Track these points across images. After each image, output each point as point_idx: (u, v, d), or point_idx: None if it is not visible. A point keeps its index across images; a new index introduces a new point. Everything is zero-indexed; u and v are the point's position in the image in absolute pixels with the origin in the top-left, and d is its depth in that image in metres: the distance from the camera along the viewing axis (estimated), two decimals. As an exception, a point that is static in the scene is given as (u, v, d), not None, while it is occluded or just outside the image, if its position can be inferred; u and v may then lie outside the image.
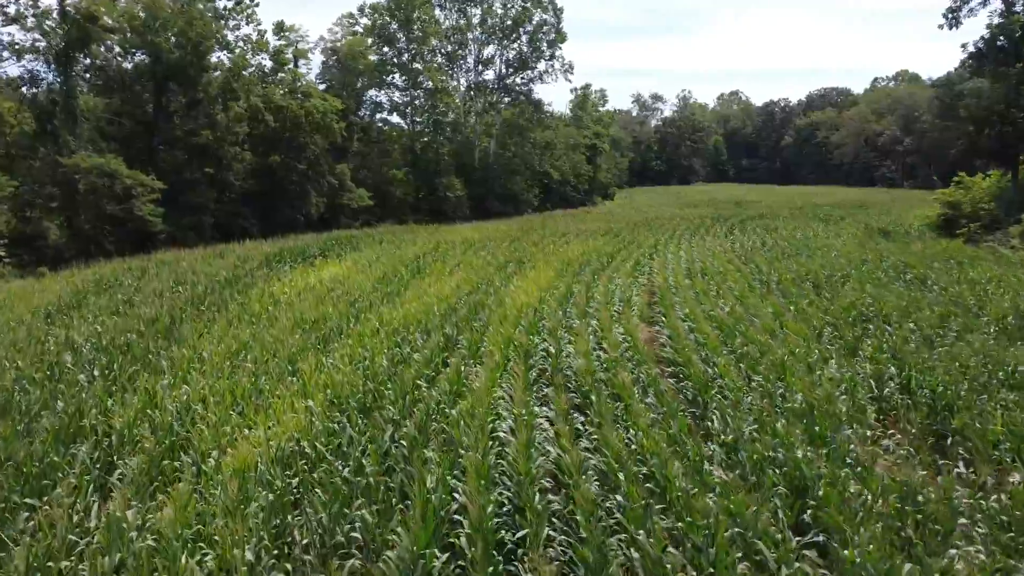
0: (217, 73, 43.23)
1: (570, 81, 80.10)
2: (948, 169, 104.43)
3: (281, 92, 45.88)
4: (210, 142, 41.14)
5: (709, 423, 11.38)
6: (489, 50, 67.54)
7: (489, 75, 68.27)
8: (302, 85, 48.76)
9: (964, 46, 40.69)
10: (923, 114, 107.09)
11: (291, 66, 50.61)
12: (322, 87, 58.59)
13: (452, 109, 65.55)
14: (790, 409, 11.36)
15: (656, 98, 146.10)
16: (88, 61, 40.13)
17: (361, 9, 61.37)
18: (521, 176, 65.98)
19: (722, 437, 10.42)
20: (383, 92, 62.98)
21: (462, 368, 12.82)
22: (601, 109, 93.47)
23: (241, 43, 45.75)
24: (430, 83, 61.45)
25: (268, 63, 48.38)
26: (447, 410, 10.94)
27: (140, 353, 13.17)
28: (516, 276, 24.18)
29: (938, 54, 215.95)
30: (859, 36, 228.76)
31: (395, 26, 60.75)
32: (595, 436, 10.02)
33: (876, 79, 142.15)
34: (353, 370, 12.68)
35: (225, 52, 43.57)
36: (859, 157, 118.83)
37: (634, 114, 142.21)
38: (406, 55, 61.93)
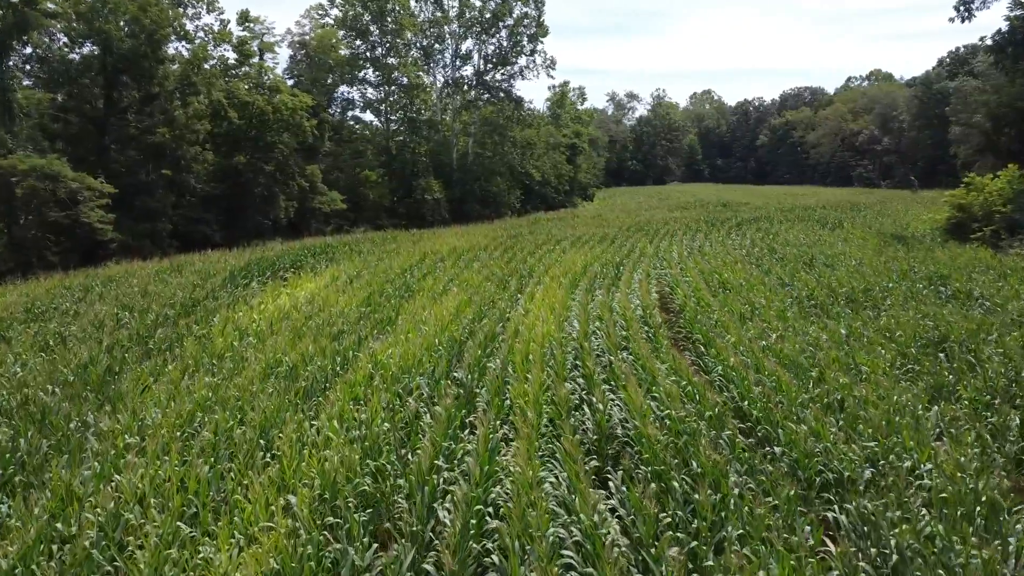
0: (175, 66, 39.45)
1: (552, 77, 77.40)
2: (926, 168, 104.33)
3: (246, 87, 42.19)
4: (167, 141, 37.36)
5: (829, 513, 8.58)
6: (467, 44, 64.46)
7: (467, 71, 65.23)
8: (269, 80, 45.12)
9: (983, 39, 38.63)
10: (901, 113, 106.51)
11: (257, 59, 46.99)
12: (290, 83, 54.98)
13: (429, 106, 62.30)
14: (938, 498, 8.55)
15: (631, 97, 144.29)
16: (29, 51, 36.17)
17: (331, 0, 57.83)
18: (502, 177, 62.94)
19: (869, 547, 7.60)
20: (355, 88, 59.54)
21: (490, 435, 9.80)
22: (580, 107, 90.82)
23: (201, 33, 42.04)
24: (405, 79, 58.11)
25: (231, 55, 44.67)
26: (486, 515, 7.93)
27: (59, 423, 9.90)
28: (522, 294, 21.21)
29: (908, 54, 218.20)
30: (827, 37, 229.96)
31: (368, 18, 57.25)
32: (706, 562, 7.08)
33: (850, 78, 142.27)
34: (347, 442, 9.59)
35: (183, 42, 39.82)
36: (835, 157, 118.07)
37: (609, 113, 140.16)
38: (379, 49, 58.51)
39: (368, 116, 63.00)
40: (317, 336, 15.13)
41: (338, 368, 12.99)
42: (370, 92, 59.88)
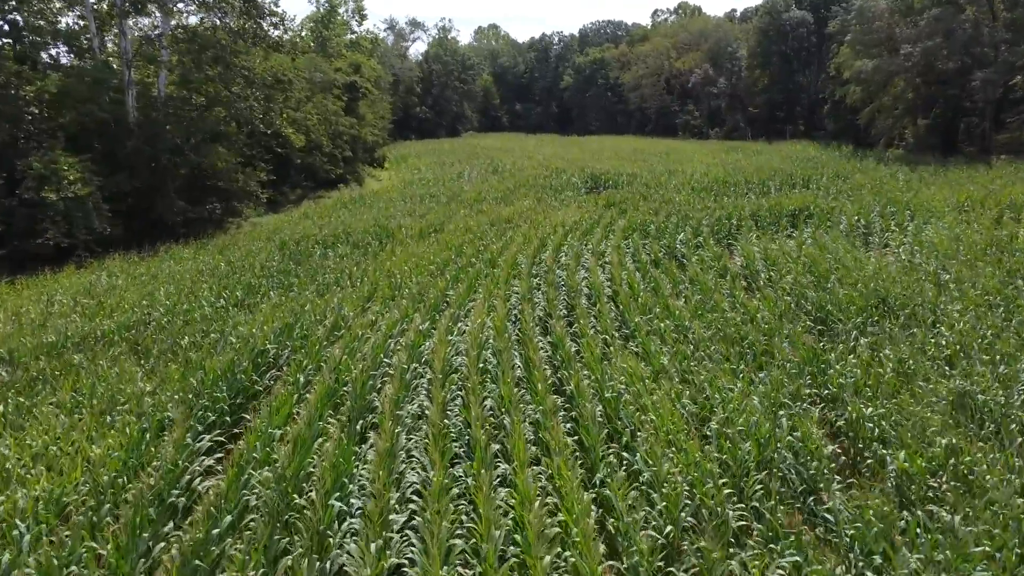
0: None
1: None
2: (763, 114, 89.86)
3: None
4: None
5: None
6: None
7: (146, -58, 34.18)
8: None
9: None
10: (737, 49, 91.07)
11: None
12: None
13: (64, 6, 30.98)
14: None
15: (414, 25, 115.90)
16: None
17: None
18: (229, 144, 33.79)
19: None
20: None
21: None
22: (358, 29, 62.00)
23: None
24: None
25: None
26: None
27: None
28: None
29: None
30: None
31: None
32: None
33: (656, 11, 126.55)
34: None
35: None
36: (657, 101, 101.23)
37: (389, 43, 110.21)
38: None
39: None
40: None
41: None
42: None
